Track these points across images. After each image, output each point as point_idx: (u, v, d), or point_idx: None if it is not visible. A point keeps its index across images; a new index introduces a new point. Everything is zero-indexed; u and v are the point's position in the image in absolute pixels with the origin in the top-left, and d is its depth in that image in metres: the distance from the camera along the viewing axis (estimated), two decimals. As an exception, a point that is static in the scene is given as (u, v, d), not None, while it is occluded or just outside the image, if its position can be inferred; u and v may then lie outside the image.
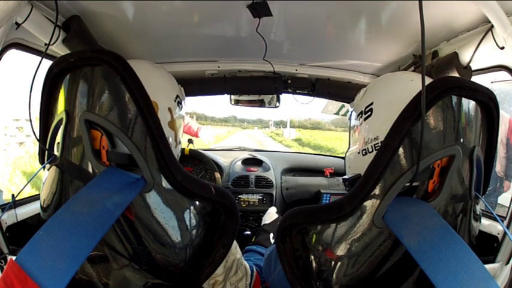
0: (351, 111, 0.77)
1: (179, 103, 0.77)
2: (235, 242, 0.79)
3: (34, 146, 5.99)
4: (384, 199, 0.54)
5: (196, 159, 1.70)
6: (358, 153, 0.69)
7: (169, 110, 0.73)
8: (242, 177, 1.85)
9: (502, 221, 0.91)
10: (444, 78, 0.58)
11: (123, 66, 0.55)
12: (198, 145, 1.93)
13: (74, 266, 0.45)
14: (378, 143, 0.64)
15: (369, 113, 0.67)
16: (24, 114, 6.80)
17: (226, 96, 1.80)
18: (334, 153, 2.39)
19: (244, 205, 1.79)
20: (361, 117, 0.70)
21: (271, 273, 0.87)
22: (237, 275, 0.80)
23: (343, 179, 0.75)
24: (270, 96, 1.81)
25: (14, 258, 0.45)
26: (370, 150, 0.65)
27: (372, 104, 0.67)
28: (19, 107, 6.90)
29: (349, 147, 0.78)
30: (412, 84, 0.65)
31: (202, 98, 1.87)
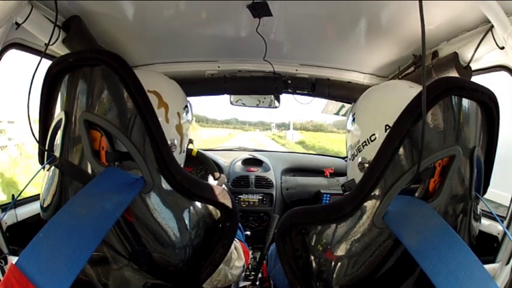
0: (346, 120, 0.82)
1: (187, 112, 0.82)
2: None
3: (17, 150, 5.62)
4: (384, 199, 0.54)
5: (197, 159, 1.70)
6: (349, 158, 0.75)
7: (178, 114, 0.77)
8: (242, 178, 1.85)
9: (502, 221, 0.91)
10: (444, 79, 0.58)
11: (122, 67, 0.55)
12: (198, 145, 1.93)
13: (74, 269, 0.45)
14: (360, 145, 0.69)
15: (353, 122, 0.74)
16: (6, 115, 6.25)
17: (227, 98, 1.80)
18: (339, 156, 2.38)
19: (244, 205, 1.79)
20: (350, 126, 0.76)
21: (273, 269, 0.92)
22: (232, 260, 0.84)
23: (341, 185, 0.78)
24: (269, 99, 1.81)
25: (14, 260, 0.45)
26: (356, 153, 0.71)
27: (355, 114, 0.74)
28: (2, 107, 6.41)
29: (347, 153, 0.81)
30: (387, 89, 0.73)
31: (204, 100, 1.86)
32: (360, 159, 0.68)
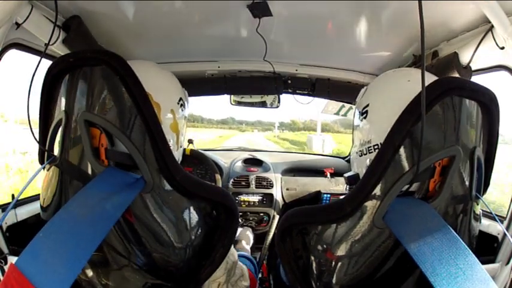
0: (355, 109, 0.77)
1: (182, 105, 0.76)
2: (233, 247, 0.80)
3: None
4: (384, 199, 0.54)
5: (196, 159, 1.70)
6: (357, 153, 0.70)
7: (172, 111, 0.73)
8: (242, 178, 1.85)
9: (502, 221, 0.91)
10: (445, 79, 0.58)
11: (122, 67, 0.55)
12: (198, 145, 1.93)
13: (74, 270, 0.45)
14: (370, 146, 0.65)
15: (365, 114, 0.67)
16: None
17: (225, 98, 1.81)
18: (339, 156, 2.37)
19: (244, 205, 1.79)
20: (360, 118, 0.70)
21: (279, 266, 0.90)
22: (235, 276, 0.82)
23: (344, 176, 0.75)
24: (272, 96, 1.81)
25: (14, 260, 0.45)
26: (365, 152, 0.66)
27: (367, 105, 0.67)
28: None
29: (352, 146, 0.78)
30: (408, 85, 0.64)
31: (200, 100, 1.86)
32: (367, 162, 0.66)
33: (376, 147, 0.63)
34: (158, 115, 0.68)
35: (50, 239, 0.46)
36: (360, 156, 0.68)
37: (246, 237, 1.37)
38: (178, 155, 0.77)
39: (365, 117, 0.67)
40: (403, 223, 0.52)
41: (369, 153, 0.65)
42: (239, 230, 1.41)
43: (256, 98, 1.82)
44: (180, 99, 0.76)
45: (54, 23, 0.86)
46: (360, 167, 0.69)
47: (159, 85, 0.72)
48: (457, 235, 0.49)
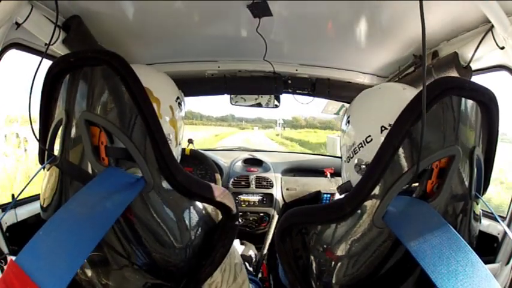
0: (341, 124, 0.81)
1: (180, 104, 0.78)
2: (236, 248, 0.78)
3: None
4: (383, 199, 0.54)
5: (196, 159, 1.70)
6: (345, 161, 0.74)
7: (171, 107, 0.74)
8: (242, 178, 1.85)
9: (502, 221, 0.91)
10: (444, 79, 0.59)
11: (123, 67, 0.55)
12: (198, 145, 1.93)
13: (73, 266, 0.45)
14: (355, 147, 0.69)
15: (348, 124, 0.73)
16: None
17: (224, 95, 1.80)
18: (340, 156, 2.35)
19: (244, 205, 1.79)
20: (344, 128, 0.75)
21: (278, 267, 0.90)
22: (237, 282, 0.79)
23: (337, 187, 0.77)
24: (267, 97, 1.81)
25: (14, 258, 0.45)
26: (352, 155, 0.70)
27: (349, 116, 0.74)
28: None
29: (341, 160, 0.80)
30: (379, 91, 0.73)
31: (199, 97, 1.87)
32: (356, 161, 0.68)
33: (360, 145, 0.67)
34: (158, 110, 0.70)
35: (50, 236, 0.47)
36: (348, 161, 0.71)
37: (248, 257, 1.32)
38: (177, 153, 0.78)
39: (349, 124, 0.73)
40: (402, 222, 0.52)
41: (355, 154, 0.68)
42: (242, 247, 1.36)
43: (250, 101, 1.83)
44: (178, 97, 0.78)
45: (54, 23, 0.86)
46: (348, 171, 0.72)
47: (157, 83, 0.74)
48: (457, 233, 0.49)
